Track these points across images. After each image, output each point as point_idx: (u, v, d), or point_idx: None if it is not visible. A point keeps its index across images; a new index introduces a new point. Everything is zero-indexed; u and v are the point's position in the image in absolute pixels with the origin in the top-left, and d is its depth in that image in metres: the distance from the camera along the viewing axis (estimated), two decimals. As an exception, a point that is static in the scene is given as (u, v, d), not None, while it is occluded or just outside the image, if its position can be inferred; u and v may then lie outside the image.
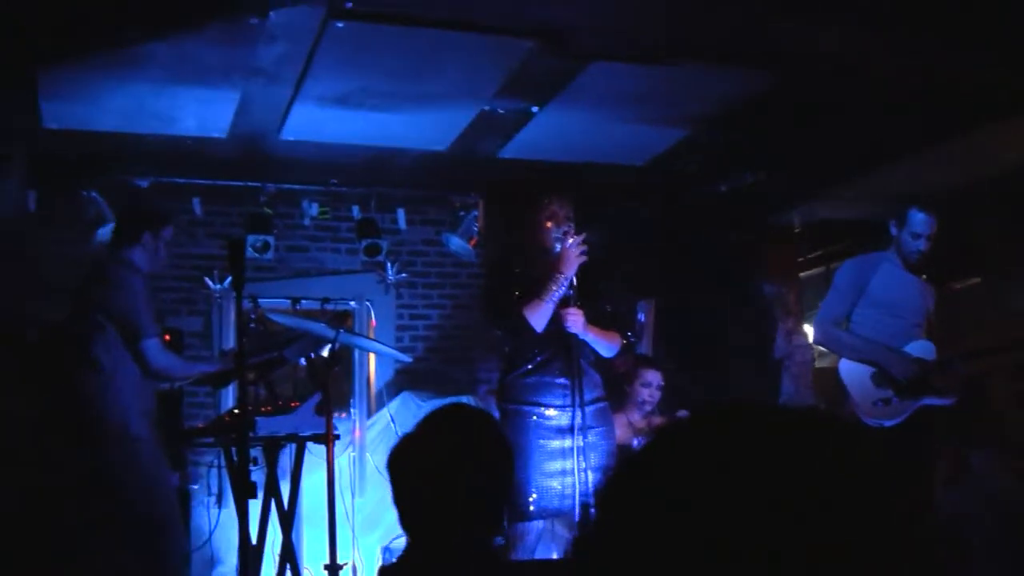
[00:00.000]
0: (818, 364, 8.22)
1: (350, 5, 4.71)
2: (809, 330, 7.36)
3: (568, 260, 4.43)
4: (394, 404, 7.48)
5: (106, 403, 4.91)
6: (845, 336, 5.59)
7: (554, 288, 4.43)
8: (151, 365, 4.97)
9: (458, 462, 2.48)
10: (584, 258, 4.43)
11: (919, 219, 5.46)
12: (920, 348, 5.43)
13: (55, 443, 5.08)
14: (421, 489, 2.47)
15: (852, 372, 5.50)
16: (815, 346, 7.51)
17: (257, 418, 4.81)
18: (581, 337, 4.51)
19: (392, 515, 7.53)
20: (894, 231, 5.55)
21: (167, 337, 5.82)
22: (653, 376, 6.43)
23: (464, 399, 7.36)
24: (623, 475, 1.00)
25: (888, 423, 5.29)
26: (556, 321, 4.47)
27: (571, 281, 4.45)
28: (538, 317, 4.44)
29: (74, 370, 5.00)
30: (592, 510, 4.37)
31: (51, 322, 6.11)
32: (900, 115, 5.98)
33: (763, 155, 6.97)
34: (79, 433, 4.96)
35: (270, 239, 7.29)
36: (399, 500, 2.52)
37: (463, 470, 2.47)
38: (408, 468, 2.50)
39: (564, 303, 4.49)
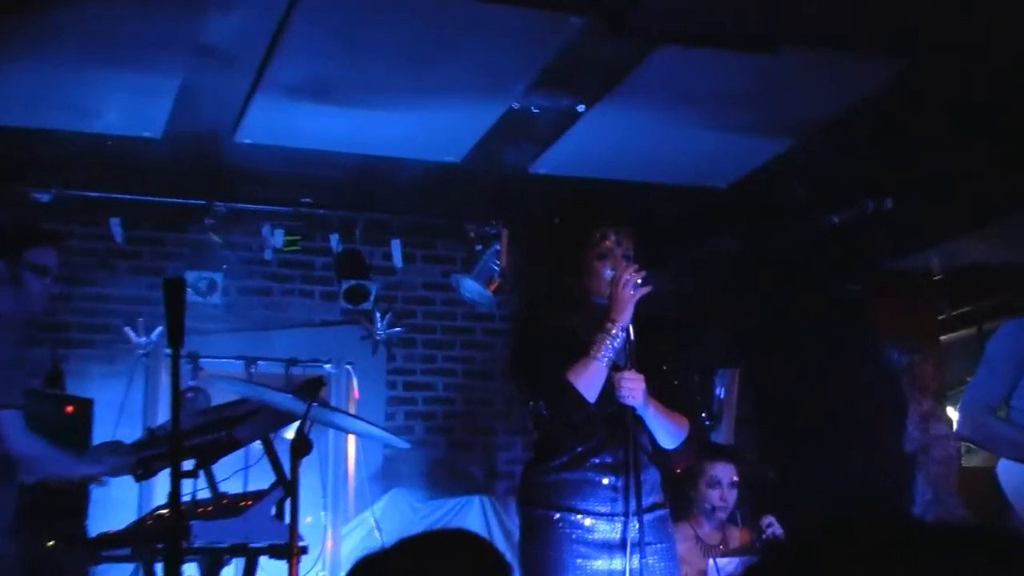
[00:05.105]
0: (966, 462, 8.14)
1: (335, -38, 4.75)
2: (954, 415, 7.30)
3: (620, 302, 4.37)
4: (381, 505, 7.44)
5: None
6: (1003, 428, 5.51)
7: (606, 340, 4.37)
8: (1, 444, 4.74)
9: None
10: (642, 291, 4.38)
11: None
12: None
13: None
14: None
15: (1016, 477, 5.43)
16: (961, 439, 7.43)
17: (193, 522, 4.79)
18: (639, 413, 4.45)
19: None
20: None
21: (69, 409, 5.80)
22: (723, 471, 6.36)
23: (475, 500, 7.33)
24: None
25: None
26: (606, 391, 4.43)
27: (627, 333, 4.41)
28: (588, 381, 4.36)
29: None
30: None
31: None
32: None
33: (891, 176, 6.95)
34: None
35: (218, 277, 7.30)
36: None
37: None
38: None
39: (615, 367, 4.45)
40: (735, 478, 6.37)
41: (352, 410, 7.56)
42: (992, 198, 6.96)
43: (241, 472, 6.42)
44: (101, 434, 6.91)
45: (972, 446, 7.12)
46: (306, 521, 7.09)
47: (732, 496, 6.34)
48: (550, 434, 4.57)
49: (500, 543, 7.14)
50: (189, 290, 7.03)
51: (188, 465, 5.03)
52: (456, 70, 5.64)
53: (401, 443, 6.48)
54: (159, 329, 7.28)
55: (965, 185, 6.81)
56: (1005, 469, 5.47)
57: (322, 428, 6.65)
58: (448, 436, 8.17)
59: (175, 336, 4.03)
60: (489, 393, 8.11)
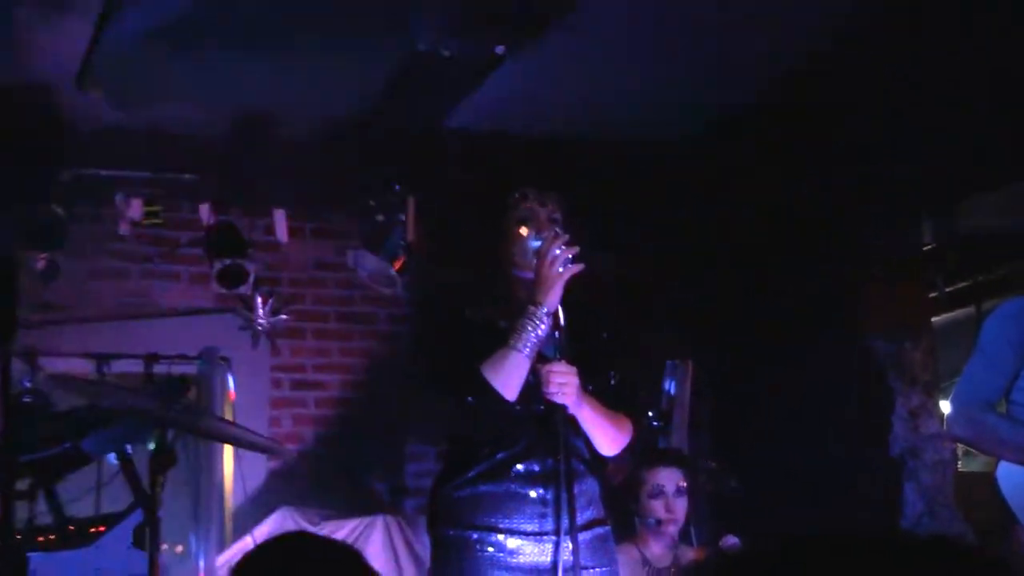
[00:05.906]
0: (963, 466, 8.22)
1: None
2: (947, 410, 7.37)
3: (547, 281, 4.35)
4: (265, 528, 7.41)
5: None
6: (1003, 426, 5.56)
7: (529, 327, 4.37)
8: None
9: None
10: (573, 269, 4.37)
11: None
12: None
13: None
14: None
15: (1018, 481, 5.49)
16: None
17: (32, 554, 4.76)
18: (572, 413, 4.45)
19: None
20: None
21: None
22: (667, 477, 6.35)
23: (379, 521, 7.33)
24: None
25: None
26: (532, 387, 4.42)
27: (555, 317, 4.40)
28: (507, 376, 4.35)
29: None
30: None
31: None
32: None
33: (875, 127, 6.99)
34: None
35: (60, 258, 7.24)
36: None
37: None
38: None
39: (542, 358, 4.45)
40: (682, 483, 6.36)
41: (228, 415, 7.53)
42: (997, 155, 7.01)
43: (92, 492, 6.39)
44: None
45: (968, 447, 7.17)
46: (176, 551, 7.07)
47: (681, 506, 6.33)
48: (465, 440, 4.57)
49: (408, 570, 7.14)
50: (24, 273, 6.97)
51: (23, 484, 5.00)
52: (349, 4, 5.62)
53: (288, 453, 6.46)
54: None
55: (965, 138, 6.84)
56: (1006, 473, 5.53)
57: (191, 437, 6.63)
58: (345, 445, 8.15)
59: (5, 329, 3.99)
60: (394, 392, 8.08)
